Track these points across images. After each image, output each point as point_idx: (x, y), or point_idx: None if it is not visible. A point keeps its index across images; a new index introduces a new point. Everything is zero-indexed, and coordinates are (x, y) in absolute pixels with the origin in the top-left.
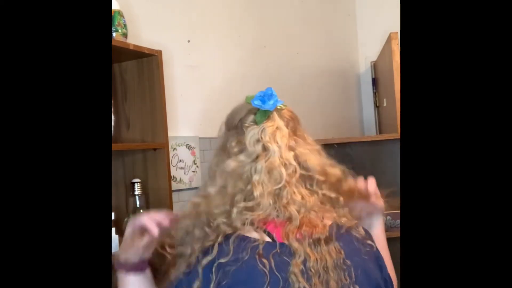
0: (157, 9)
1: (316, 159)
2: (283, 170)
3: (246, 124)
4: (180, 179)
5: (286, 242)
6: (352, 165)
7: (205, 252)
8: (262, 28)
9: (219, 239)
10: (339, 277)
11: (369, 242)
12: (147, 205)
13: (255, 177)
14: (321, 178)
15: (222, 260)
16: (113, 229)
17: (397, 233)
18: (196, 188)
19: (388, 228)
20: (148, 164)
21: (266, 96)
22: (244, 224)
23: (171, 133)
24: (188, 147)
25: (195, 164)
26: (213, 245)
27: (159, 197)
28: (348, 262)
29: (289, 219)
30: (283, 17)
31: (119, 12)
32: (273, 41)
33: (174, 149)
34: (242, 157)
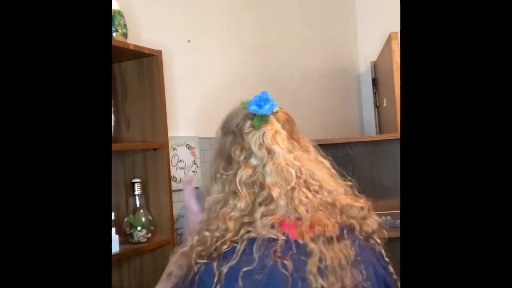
0: (157, 9)
1: (311, 166)
2: (291, 170)
3: (246, 130)
4: (180, 179)
5: (301, 241)
6: (352, 165)
7: (226, 257)
8: (262, 28)
9: (243, 245)
10: (353, 274)
11: (372, 241)
12: (147, 205)
13: (268, 180)
14: (316, 183)
15: (247, 268)
16: (113, 229)
17: (397, 233)
18: (196, 188)
19: (388, 228)
20: (148, 164)
21: (262, 100)
22: (265, 226)
23: (171, 133)
24: (188, 147)
25: (195, 164)
26: (235, 251)
27: (159, 197)
28: (359, 259)
29: (299, 219)
30: (283, 17)
31: (119, 12)
32: (273, 41)
33: (174, 149)
34: (254, 161)
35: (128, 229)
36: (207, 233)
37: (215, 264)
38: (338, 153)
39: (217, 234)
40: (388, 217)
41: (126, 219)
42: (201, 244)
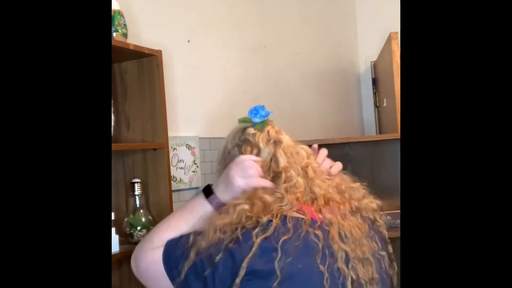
0: (157, 9)
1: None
2: (301, 150)
3: (251, 133)
4: (180, 179)
5: (320, 216)
6: (352, 165)
7: (265, 228)
8: (262, 28)
9: (277, 219)
10: (369, 244)
11: (377, 223)
12: (147, 205)
13: (282, 162)
14: (321, 168)
15: (286, 237)
16: (113, 229)
17: (397, 233)
18: (196, 188)
19: (388, 228)
20: (148, 164)
21: (258, 108)
22: (294, 202)
23: (171, 133)
24: (188, 147)
25: (195, 164)
26: (271, 224)
27: (159, 197)
28: (372, 232)
29: (315, 199)
30: (283, 17)
31: (119, 12)
32: (273, 41)
33: (174, 149)
34: (265, 154)
35: (128, 229)
36: (246, 207)
37: (254, 232)
38: (338, 153)
39: (256, 208)
40: (388, 217)
41: (126, 219)
42: (242, 216)
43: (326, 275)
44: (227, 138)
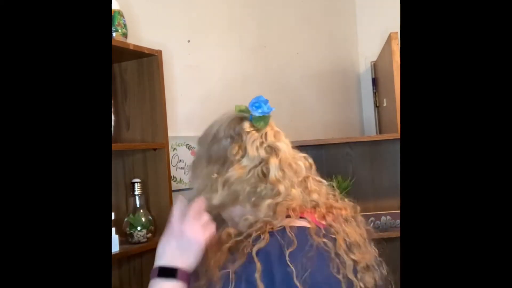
0: (157, 9)
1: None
2: (300, 162)
3: (246, 130)
4: (180, 179)
5: (325, 223)
6: (352, 165)
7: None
8: (262, 28)
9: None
10: (370, 250)
11: (367, 227)
12: (147, 205)
13: (273, 174)
14: (317, 178)
15: (291, 249)
16: (113, 229)
17: (397, 233)
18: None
19: (388, 228)
20: (148, 164)
21: (261, 102)
22: (287, 214)
23: (171, 133)
24: (188, 147)
25: None
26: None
27: (159, 197)
28: (369, 237)
29: (316, 206)
30: (283, 17)
31: (119, 12)
32: (273, 41)
33: (174, 149)
34: (245, 162)
35: (128, 229)
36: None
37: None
38: (338, 153)
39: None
40: (388, 217)
41: (126, 219)
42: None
43: (343, 285)
44: (220, 123)
